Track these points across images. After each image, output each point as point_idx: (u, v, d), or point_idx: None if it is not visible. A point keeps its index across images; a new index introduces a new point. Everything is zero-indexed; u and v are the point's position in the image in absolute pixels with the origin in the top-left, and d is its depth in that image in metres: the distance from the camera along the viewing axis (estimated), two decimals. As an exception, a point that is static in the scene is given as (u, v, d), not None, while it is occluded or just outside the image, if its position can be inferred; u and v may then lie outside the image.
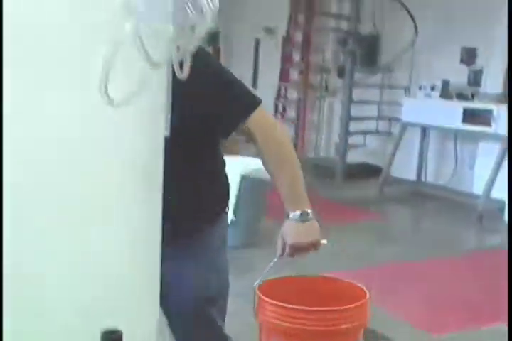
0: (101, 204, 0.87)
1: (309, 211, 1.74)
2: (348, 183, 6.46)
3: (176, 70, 0.90)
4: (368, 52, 6.58)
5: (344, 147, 6.55)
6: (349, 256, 4.06)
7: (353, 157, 6.66)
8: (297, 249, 1.76)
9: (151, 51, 0.83)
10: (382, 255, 4.29)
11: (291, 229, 1.74)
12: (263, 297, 1.64)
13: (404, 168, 6.25)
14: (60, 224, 0.88)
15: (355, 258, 4.05)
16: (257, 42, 7.98)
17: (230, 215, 2.36)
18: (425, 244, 4.65)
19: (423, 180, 6.30)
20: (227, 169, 1.88)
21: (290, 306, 1.61)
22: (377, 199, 6.02)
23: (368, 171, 6.58)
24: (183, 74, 0.90)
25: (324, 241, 1.78)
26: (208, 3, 0.86)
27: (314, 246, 1.76)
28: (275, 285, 1.76)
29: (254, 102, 1.72)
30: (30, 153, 0.86)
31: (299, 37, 7.55)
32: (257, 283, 1.71)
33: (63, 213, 0.88)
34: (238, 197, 3.87)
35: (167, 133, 1.04)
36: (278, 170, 1.76)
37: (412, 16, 6.08)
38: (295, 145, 7.27)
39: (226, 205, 1.91)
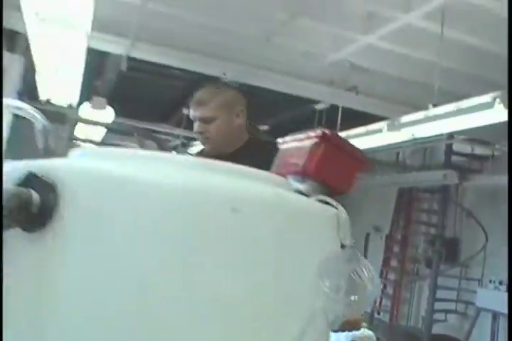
0: None
1: None
2: (432, 351, 6.34)
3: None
4: (450, 250, 6.94)
5: (430, 321, 6.66)
6: None
7: (437, 329, 6.63)
8: None
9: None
10: None
11: None
12: None
13: (480, 344, 6.05)
14: None
15: None
16: (367, 236, 8.46)
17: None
18: None
19: (496, 358, 6.02)
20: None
21: None
22: (456, 370, 5.82)
23: (449, 342, 6.44)
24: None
25: None
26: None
27: None
28: None
29: None
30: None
31: (398, 235, 8.06)
32: None
33: None
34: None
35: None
36: None
37: (483, 228, 6.33)
38: (391, 316, 7.30)
39: None
